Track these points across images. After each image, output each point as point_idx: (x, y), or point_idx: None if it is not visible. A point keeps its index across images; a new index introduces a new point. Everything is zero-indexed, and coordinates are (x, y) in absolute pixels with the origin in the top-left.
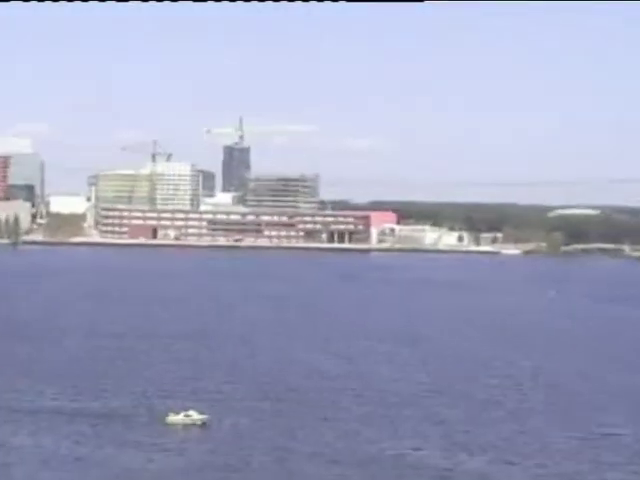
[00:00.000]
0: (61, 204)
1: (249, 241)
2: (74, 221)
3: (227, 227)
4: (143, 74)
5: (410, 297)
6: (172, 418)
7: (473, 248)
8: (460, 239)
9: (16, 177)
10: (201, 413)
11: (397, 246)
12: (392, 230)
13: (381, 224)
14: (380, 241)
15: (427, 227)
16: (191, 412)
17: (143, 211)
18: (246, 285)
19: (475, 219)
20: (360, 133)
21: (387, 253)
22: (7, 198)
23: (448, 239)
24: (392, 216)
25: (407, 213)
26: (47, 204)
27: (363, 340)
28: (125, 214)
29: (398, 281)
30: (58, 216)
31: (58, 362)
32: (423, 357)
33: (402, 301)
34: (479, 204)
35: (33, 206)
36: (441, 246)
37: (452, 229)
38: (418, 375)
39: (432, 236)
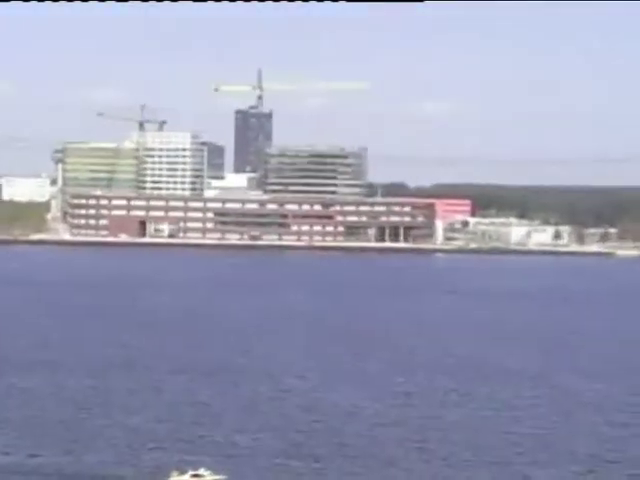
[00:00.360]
0: (16, 188)
1: (270, 238)
2: (34, 212)
3: (241, 220)
4: (127, 19)
5: (493, 315)
6: (176, 479)
7: (575, 248)
8: (557, 236)
9: None
10: (215, 473)
11: (471, 246)
12: (465, 224)
13: (450, 216)
14: (448, 239)
15: (512, 220)
16: (202, 471)
17: (127, 198)
18: (266, 299)
19: (578, 209)
20: (425, 93)
21: (458, 255)
22: None
23: (541, 236)
24: (465, 205)
25: (485, 201)
26: None
27: (425, 375)
28: (103, 202)
29: (475, 294)
30: (12, 205)
31: (11, 404)
32: (508, 399)
33: (481, 321)
34: (583, 188)
35: None
36: (531, 245)
37: (546, 222)
38: (501, 421)
39: (519, 232)
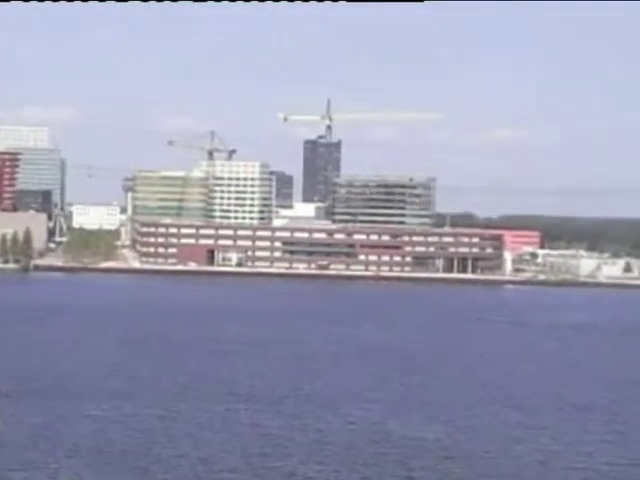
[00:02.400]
0: (87, 216)
1: (338, 268)
2: (104, 239)
3: (309, 249)
4: (194, 46)
5: (562, 348)
6: None
7: None
8: (627, 269)
9: (28, 180)
10: None
11: (540, 277)
12: (534, 255)
13: (518, 247)
14: (517, 270)
15: (582, 252)
16: None
17: (196, 227)
18: (334, 328)
19: None
20: (492, 121)
21: (526, 287)
22: (15, 208)
23: (611, 269)
24: (534, 236)
25: (555, 232)
26: (68, 216)
27: (494, 408)
28: (172, 231)
29: (544, 326)
30: (83, 232)
31: (81, 431)
32: (577, 434)
33: (550, 354)
34: None
35: (50, 219)
36: (601, 278)
37: (617, 255)
38: (570, 457)
39: (589, 264)
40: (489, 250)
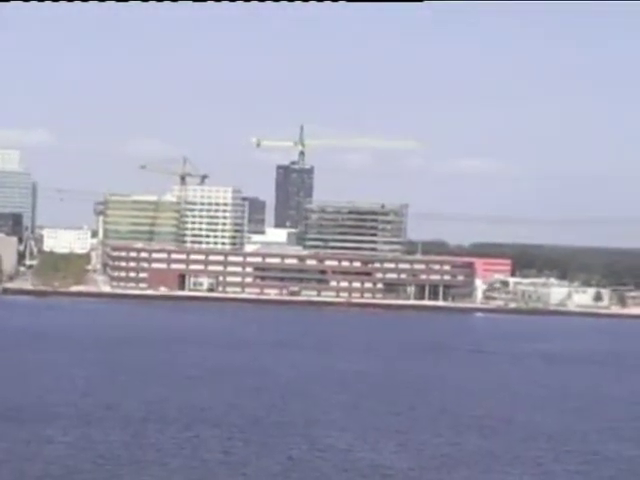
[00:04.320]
0: (58, 240)
1: (309, 294)
2: (75, 263)
3: (280, 275)
4: (167, 70)
5: (534, 377)
6: None
7: (616, 310)
8: (597, 298)
9: None
10: None
11: (511, 305)
12: (505, 283)
13: (490, 275)
14: (488, 298)
15: (553, 280)
16: None
17: (167, 251)
18: (304, 355)
19: (619, 270)
20: (466, 150)
21: (497, 315)
22: None
23: (581, 297)
24: (505, 264)
25: (526, 261)
26: (39, 239)
27: (464, 436)
28: (143, 255)
29: (512, 354)
30: (53, 256)
31: (47, 457)
32: (547, 463)
33: (520, 383)
34: (625, 250)
35: (20, 242)
36: (572, 306)
37: (587, 284)
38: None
39: (559, 292)
40: (460, 278)
